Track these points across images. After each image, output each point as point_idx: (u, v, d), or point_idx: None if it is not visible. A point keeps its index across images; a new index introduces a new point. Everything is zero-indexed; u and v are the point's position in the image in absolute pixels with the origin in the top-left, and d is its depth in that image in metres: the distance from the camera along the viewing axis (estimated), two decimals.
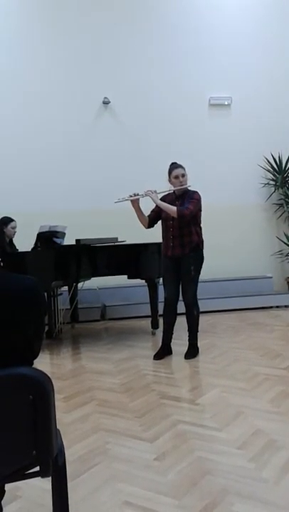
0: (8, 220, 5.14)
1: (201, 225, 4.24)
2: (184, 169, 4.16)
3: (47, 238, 5.15)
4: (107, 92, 6.87)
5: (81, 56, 6.83)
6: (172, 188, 4.20)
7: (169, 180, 4.20)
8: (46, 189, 6.63)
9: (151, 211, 4.32)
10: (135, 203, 4.22)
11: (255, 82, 7.32)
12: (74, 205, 6.63)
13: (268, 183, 7.38)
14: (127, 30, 6.96)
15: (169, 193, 4.28)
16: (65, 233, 5.40)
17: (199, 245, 4.20)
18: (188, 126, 7.11)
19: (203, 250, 4.25)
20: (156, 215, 4.29)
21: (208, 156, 7.12)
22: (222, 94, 7.25)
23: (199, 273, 4.24)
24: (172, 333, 4.39)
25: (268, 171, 7.35)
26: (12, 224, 5.16)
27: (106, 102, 6.88)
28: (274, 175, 7.31)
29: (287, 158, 7.27)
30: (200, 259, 4.22)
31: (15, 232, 5.21)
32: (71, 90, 6.80)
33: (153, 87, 7.01)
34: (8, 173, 6.52)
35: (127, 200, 4.19)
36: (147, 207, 4.32)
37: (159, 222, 4.32)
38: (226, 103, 7.29)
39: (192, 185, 4.21)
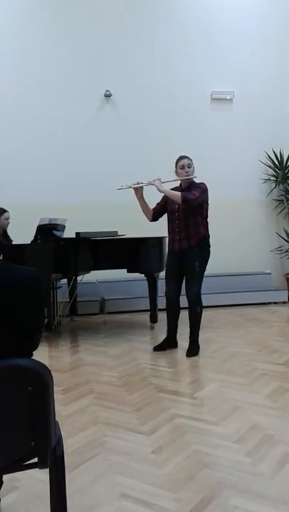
0: (1, 211, 5.09)
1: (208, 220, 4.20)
2: (191, 160, 4.16)
3: (47, 231, 5.13)
4: (109, 85, 6.84)
5: (83, 49, 6.79)
6: (178, 178, 4.16)
7: (176, 172, 4.18)
8: (47, 182, 6.61)
9: (157, 204, 4.28)
10: (138, 193, 4.16)
11: (258, 77, 7.28)
12: (74, 198, 6.62)
13: (268, 179, 7.37)
14: (130, 23, 6.91)
15: (175, 187, 4.24)
16: (65, 226, 5.40)
17: (205, 239, 4.13)
18: (190, 120, 7.08)
19: (210, 248, 4.18)
20: (162, 208, 4.26)
21: (209, 151, 7.09)
22: (224, 88, 7.22)
23: (204, 270, 4.17)
24: (176, 327, 4.38)
25: (269, 166, 7.34)
26: (5, 215, 5.09)
27: (108, 95, 6.84)
28: (275, 171, 7.30)
29: (288, 154, 7.25)
30: (205, 256, 4.15)
31: (8, 223, 5.15)
32: (72, 83, 6.76)
33: (155, 80, 6.98)
34: (9, 165, 6.50)
35: (130, 187, 4.14)
36: (154, 200, 4.33)
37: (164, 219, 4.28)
38: (228, 97, 7.25)
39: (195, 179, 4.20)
